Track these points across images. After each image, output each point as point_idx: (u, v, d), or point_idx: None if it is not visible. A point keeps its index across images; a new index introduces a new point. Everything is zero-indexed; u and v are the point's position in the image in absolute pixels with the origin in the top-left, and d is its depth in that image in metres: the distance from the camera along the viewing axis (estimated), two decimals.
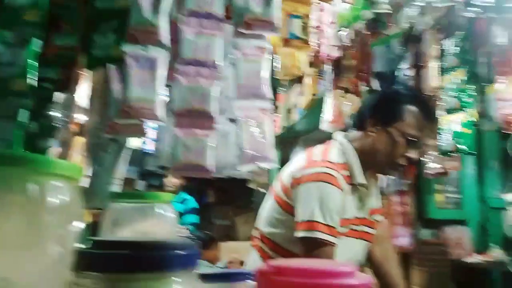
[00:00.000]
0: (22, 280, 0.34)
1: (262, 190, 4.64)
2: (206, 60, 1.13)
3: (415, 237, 2.67)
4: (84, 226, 0.42)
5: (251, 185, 4.79)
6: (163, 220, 0.70)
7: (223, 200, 6.31)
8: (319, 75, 3.00)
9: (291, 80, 4.29)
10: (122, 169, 1.13)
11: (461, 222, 2.75)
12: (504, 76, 1.82)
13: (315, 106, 3.55)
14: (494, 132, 2.66)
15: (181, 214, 4.12)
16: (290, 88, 4.36)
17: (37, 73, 0.99)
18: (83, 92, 1.25)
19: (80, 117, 1.34)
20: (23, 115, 0.95)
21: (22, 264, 0.34)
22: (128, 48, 1.05)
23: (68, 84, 1.10)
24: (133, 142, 4.02)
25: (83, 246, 0.45)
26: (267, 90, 1.24)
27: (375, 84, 2.58)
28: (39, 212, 0.35)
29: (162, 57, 1.08)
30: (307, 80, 3.55)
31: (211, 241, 3.67)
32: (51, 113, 1.05)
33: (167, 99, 1.14)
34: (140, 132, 1.07)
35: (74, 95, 1.33)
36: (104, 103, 1.07)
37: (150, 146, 5.08)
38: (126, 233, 0.69)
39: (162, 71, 1.07)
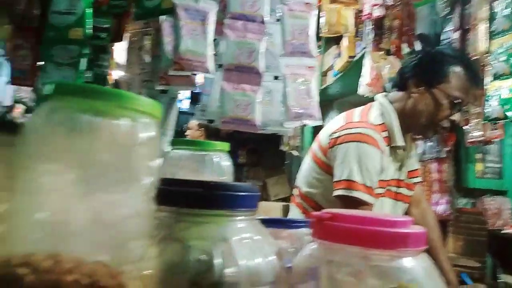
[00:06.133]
0: (120, 205, 0.37)
1: (294, 152, 4.67)
2: (254, 15, 1.12)
3: (452, 205, 2.64)
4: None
5: (283, 148, 4.82)
6: (220, 168, 0.72)
7: (254, 161, 6.40)
8: (357, 36, 2.90)
9: (326, 42, 4.19)
10: (173, 120, 1.15)
11: (501, 193, 2.68)
12: None
13: (351, 69, 3.46)
14: None
15: None
16: (326, 49, 4.26)
17: (93, 22, 1.00)
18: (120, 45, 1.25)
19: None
20: (83, 64, 0.98)
21: (119, 189, 0.37)
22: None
23: (120, 35, 1.11)
24: None
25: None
26: (313, 47, 1.22)
27: (418, 46, 2.48)
28: (133, 145, 0.37)
29: (212, 10, 1.07)
30: (345, 41, 3.45)
31: None
32: (103, 63, 1.07)
33: (214, 52, 1.14)
34: (190, 84, 1.09)
35: (112, 47, 1.34)
36: (154, 56, 1.08)
37: (185, 105, 5.13)
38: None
39: (212, 24, 1.07)
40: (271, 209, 4.31)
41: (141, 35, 1.53)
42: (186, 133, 4.26)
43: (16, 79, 1.47)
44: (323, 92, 4.39)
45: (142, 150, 0.38)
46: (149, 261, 0.44)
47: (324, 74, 4.36)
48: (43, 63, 1.07)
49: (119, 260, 0.37)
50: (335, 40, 3.83)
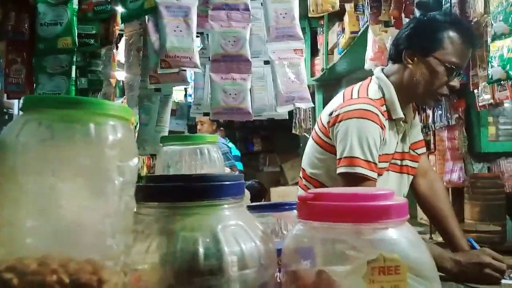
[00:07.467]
0: (95, 206, 0.39)
1: (306, 135, 4.66)
2: (237, 3, 1.12)
3: (466, 171, 2.61)
4: (138, 162, 0.46)
5: (295, 131, 4.82)
6: (210, 160, 0.74)
7: (269, 148, 6.43)
8: (357, 11, 2.86)
9: (329, 20, 4.14)
10: (167, 117, 1.18)
11: None
12: None
13: (355, 44, 3.42)
14: None
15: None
16: (329, 27, 4.21)
17: (79, 30, 1.03)
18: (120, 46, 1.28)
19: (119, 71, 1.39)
20: (74, 71, 1.01)
21: (92, 191, 0.39)
22: None
23: (109, 39, 1.13)
24: (178, 96, 4.08)
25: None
26: (299, 30, 1.22)
27: (418, 15, 2.43)
28: (102, 147, 0.39)
29: (194, 5, 1.08)
30: (346, 17, 3.41)
31: (262, 190, 3.77)
32: (96, 68, 1.10)
33: (201, 46, 1.15)
34: (180, 80, 1.11)
35: (112, 49, 1.37)
36: (143, 55, 1.10)
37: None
38: (178, 172, 0.75)
39: (195, 19, 1.08)
40: (288, 193, 4.35)
41: (137, 36, 1.56)
42: (198, 127, 4.28)
43: (12, 93, 1.51)
44: (330, 71, 4.34)
45: (111, 151, 0.40)
46: (139, 255, 0.46)
47: (330, 52, 4.31)
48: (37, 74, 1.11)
49: (101, 257, 0.40)
50: (338, 16, 3.77)
